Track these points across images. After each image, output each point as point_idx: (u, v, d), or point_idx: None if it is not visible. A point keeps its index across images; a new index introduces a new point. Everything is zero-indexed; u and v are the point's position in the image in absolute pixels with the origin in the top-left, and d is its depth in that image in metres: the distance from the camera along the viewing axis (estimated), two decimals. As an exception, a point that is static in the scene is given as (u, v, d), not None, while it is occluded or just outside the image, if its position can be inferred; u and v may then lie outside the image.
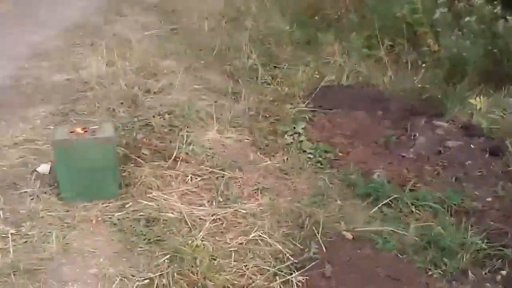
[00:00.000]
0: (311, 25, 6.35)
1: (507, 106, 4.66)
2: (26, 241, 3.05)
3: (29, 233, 3.11)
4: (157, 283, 2.80)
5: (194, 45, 6.01)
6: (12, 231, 3.10)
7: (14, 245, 3.00)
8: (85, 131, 3.40)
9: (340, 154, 4.28)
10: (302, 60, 5.66)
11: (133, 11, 6.97)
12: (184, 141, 4.00)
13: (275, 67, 5.55)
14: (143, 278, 2.85)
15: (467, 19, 4.99)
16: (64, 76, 5.11)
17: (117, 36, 5.96)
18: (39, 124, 4.26)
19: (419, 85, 5.11)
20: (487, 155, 4.17)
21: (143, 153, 3.85)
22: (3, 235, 3.07)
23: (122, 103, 4.55)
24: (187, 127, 4.23)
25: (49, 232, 3.12)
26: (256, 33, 6.14)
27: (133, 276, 2.87)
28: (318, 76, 5.38)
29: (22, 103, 4.62)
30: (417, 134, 4.40)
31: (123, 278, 2.85)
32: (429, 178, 3.93)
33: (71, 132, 3.39)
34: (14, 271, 2.81)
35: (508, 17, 4.96)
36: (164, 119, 4.32)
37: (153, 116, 4.33)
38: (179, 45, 6.01)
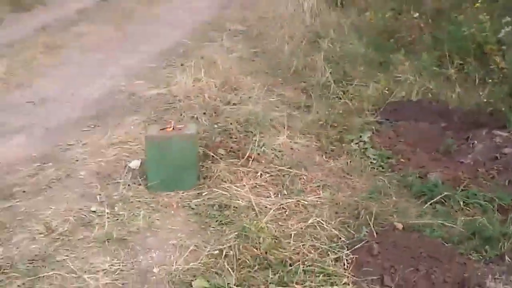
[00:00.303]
0: (386, 47, 6.79)
1: None
2: (118, 219, 3.71)
3: (120, 213, 3.78)
4: (225, 253, 3.36)
5: (273, 65, 6.64)
6: (107, 211, 3.77)
7: (108, 221, 3.66)
8: (172, 129, 4.07)
9: (402, 160, 4.69)
10: (373, 78, 6.11)
11: (221, 37, 7.72)
12: (257, 144, 4.58)
13: (347, 84, 6.04)
14: (214, 249, 3.42)
15: (532, 36, 5.29)
16: (156, 91, 5.85)
17: (204, 58, 6.65)
18: (132, 130, 4.99)
19: (485, 100, 5.44)
20: (543, 162, 4.45)
21: (219, 153, 4.45)
22: (100, 214, 3.75)
23: (204, 113, 5.20)
24: (261, 133, 4.79)
25: (137, 213, 3.77)
26: (332, 55, 6.67)
27: (205, 247, 3.45)
28: (387, 92, 5.82)
29: (119, 113, 5.39)
30: (475, 142, 4.74)
31: (197, 248, 3.44)
32: (483, 180, 4.28)
33: (161, 129, 4.07)
34: (108, 239, 3.47)
35: None
36: (241, 126, 4.92)
37: (231, 123, 4.94)
38: (259, 65, 6.67)
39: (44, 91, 5.94)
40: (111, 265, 3.25)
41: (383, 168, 4.58)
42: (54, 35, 7.71)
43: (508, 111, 5.14)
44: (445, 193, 4.00)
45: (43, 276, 3.12)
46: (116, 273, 3.18)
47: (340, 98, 5.72)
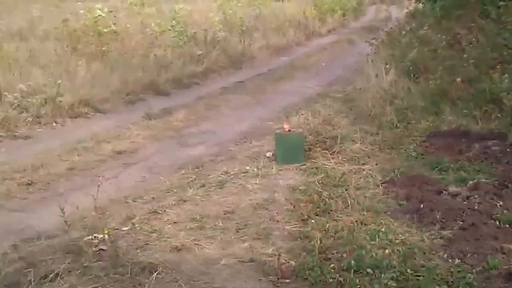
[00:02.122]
0: (439, 102, 10.34)
1: None
2: (261, 171, 7.52)
3: (262, 169, 7.59)
4: (316, 181, 7.04)
5: (359, 113, 10.35)
6: (255, 169, 7.61)
7: (256, 172, 7.47)
8: (289, 130, 7.96)
9: (430, 157, 8.20)
10: (426, 119, 9.67)
11: (325, 101, 11.66)
12: (340, 147, 8.28)
13: (407, 123, 9.62)
14: (312, 180, 7.11)
15: None
16: (278, 126, 9.70)
17: (312, 110, 10.39)
18: (266, 142, 8.85)
19: (494, 127, 8.87)
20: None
21: (317, 149, 8.21)
22: (251, 171, 7.58)
23: (310, 134, 8.94)
24: (343, 142, 8.49)
25: (272, 170, 7.57)
26: (400, 107, 10.31)
27: (308, 179, 7.16)
28: (433, 126, 9.37)
29: (257, 135, 9.33)
30: (477, 146, 8.18)
31: (304, 179, 7.16)
32: (473, 162, 7.71)
33: (282, 129, 7.97)
34: (257, 175, 7.30)
35: None
36: (332, 139, 8.61)
37: (325, 138, 8.68)
38: (349, 114, 10.44)
39: (209, 128, 10.06)
40: (259, 182, 7.06)
41: (417, 158, 8.11)
42: (209, 101, 12.01)
43: (508, 132, 8.54)
44: (446, 163, 7.53)
45: (227, 184, 7.01)
46: (261, 184, 6.99)
47: (400, 130, 9.35)
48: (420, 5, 18.26)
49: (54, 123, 10.13)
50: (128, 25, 16.55)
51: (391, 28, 16.87)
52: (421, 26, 15.23)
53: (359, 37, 20.75)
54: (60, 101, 10.57)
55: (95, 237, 5.26)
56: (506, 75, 9.22)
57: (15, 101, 10.03)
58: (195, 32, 16.64)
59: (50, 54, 13.21)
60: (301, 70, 16.05)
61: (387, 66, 12.27)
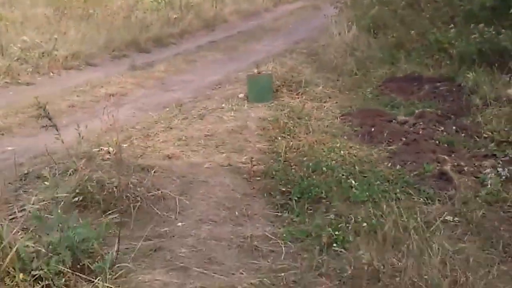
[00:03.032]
0: (396, 54, 11.58)
1: None
2: (235, 107, 8.66)
3: (235, 106, 8.67)
4: (283, 114, 8.22)
5: (322, 64, 11.49)
6: (230, 106, 8.73)
7: (231, 108, 8.59)
8: (259, 73, 9.12)
9: (385, 97, 9.43)
10: (383, 68, 10.91)
11: (291, 55, 12.82)
12: (304, 89, 9.48)
13: (366, 71, 10.84)
14: (278, 114, 8.26)
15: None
16: (250, 71, 10.82)
17: (279, 62, 11.47)
18: (238, 87, 9.93)
19: (443, 73, 10.13)
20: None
21: (283, 91, 9.38)
22: (226, 107, 8.71)
23: (277, 80, 10.02)
24: (306, 86, 9.70)
25: (243, 107, 8.71)
26: (359, 58, 11.50)
27: (275, 113, 8.34)
28: (389, 73, 10.62)
29: (229, 83, 10.40)
30: (427, 87, 9.43)
31: (272, 112, 8.34)
32: (423, 100, 8.96)
33: (254, 72, 9.13)
34: (232, 110, 8.45)
35: None
36: (297, 83, 9.74)
37: (292, 82, 9.85)
38: (313, 64, 11.62)
39: (187, 78, 11.10)
40: (233, 115, 8.20)
41: (372, 99, 9.33)
42: (186, 57, 13.09)
43: (454, 76, 9.81)
44: (398, 101, 8.78)
45: (206, 116, 8.15)
46: (235, 116, 8.07)
47: (358, 76, 10.59)
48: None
49: (51, 73, 11.27)
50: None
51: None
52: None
53: (324, 3, 21.88)
54: (56, 55, 11.66)
55: (101, 149, 6.39)
56: (452, 25, 10.49)
57: (17, 53, 11.24)
58: (171, -3, 17.73)
59: (41, 17, 14.25)
60: (269, 32, 17.17)
61: (349, 23, 13.47)
